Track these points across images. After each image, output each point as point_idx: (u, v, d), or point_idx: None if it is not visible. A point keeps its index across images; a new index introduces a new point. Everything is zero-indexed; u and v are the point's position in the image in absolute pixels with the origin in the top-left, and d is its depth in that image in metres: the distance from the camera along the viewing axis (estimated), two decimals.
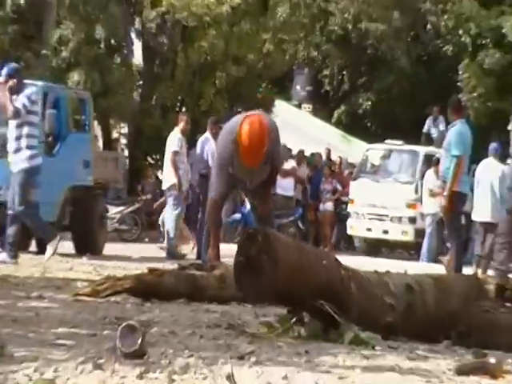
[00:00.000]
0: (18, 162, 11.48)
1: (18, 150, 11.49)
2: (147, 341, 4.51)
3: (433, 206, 17.66)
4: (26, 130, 11.46)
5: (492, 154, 15.83)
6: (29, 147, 11.48)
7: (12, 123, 11.57)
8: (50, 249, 11.69)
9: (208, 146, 15.46)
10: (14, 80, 11.59)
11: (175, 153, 15.09)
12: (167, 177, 15.33)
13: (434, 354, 5.27)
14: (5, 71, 11.89)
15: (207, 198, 15.44)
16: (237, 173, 8.68)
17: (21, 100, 11.45)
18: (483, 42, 32.35)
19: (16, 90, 11.52)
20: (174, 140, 15.23)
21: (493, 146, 16.08)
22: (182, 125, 15.49)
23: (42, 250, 13.73)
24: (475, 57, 32.03)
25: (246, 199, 22.23)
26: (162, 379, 3.98)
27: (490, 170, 15.59)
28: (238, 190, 10.11)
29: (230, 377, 3.91)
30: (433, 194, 17.79)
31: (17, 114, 11.43)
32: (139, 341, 4.36)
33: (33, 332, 5.25)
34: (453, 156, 11.40)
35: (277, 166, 9.12)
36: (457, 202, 11.53)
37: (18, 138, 11.49)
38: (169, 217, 15.32)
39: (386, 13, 29.95)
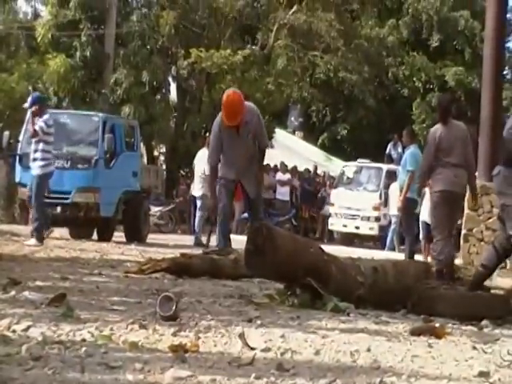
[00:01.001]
0: (35, 168, 11.34)
1: (34, 160, 11.36)
2: (179, 307, 4.49)
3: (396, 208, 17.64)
4: (41, 146, 11.28)
5: None
6: (42, 159, 11.29)
7: (33, 140, 11.43)
8: (32, 240, 10.93)
9: None
10: (36, 106, 11.43)
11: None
12: (198, 187, 15.25)
13: (394, 320, 5.24)
14: (30, 99, 11.76)
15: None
16: (225, 141, 8.38)
17: (39, 124, 11.28)
18: (431, 86, 32.35)
19: (37, 115, 11.32)
20: (205, 161, 15.14)
21: None
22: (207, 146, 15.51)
23: (101, 239, 13.76)
24: (425, 97, 32.01)
25: None
26: (191, 337, 3.95)
27: None
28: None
29: (241, 335, 3.89)
30: None
31: (35, 134, 11.30)
32: (174, 307, 4.35)
33: (94, 300, 5.22)
34: (407, 171, 11.38)
35: (263, 147, 8.68)
36: (409, 205, 11.50)
37: (35, 152, 11.35)
38: (197, 216, 15.30)
39: (358, 66, 29.91)
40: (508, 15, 33.40)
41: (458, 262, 11.38)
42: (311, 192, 22.76)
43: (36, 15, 25.97)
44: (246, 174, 8.56)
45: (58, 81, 22.68)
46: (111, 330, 4.00)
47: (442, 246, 7.94)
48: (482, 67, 11.78)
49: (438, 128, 8.22)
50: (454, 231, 8.54)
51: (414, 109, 31.63)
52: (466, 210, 11.07)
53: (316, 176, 24.11)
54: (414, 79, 32.22)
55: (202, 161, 15.27)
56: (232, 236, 8.84)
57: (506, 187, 6.86)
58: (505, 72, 33.53)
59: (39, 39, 23.36)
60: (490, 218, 10.87)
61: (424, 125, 31.15)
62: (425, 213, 15.93)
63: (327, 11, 26.21)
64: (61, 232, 14.22)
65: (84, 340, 3.74)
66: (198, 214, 15.30)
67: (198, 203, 15.33)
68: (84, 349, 3.49)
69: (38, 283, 5.93)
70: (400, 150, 20.72)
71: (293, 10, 25.84)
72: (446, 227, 8.07)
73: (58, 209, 13.33)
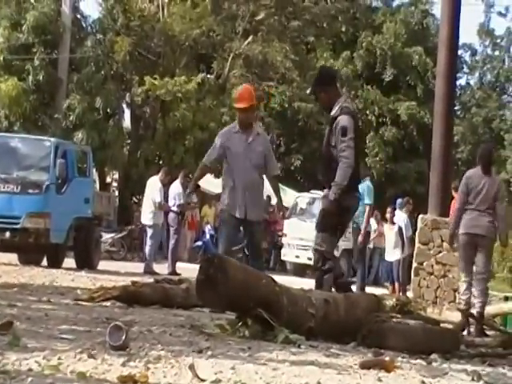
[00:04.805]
0: None
1: None
2: (129, 337, 4.45)
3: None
4: None
5: (399, 207, 16.02)
6: None
7: None
8: None
9: (177, 190, 15.51)
10: None
11: (160, 203, 15.08)
12: (148, 216, 15.19)
13: (344, 352, 5.25)
14: None
15: (177, 228, 15.31)
16: (233, 148, 7.88)
17: None
18: (384, 120, 32.75)
19: None
20: (156, 190, 15.11)
21: (399, 201, 16.32)
22: (162, 175, 15.49)
23: (51, 265, 13.60)
24: (378, 131, 32.41)
25: (206, 229, 22.21)
26: (140, 367, 3.91)
27: (397, 219, 15.79)
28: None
29: (191, 366, 3.87)
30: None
31: None
32: (123, 337, 4.30)
33: (42, 328, 5.15)
34: (366, 204, 11.56)
35: (275, 173, 8.27)
36: (366, 238, 11.68)
37: None
38: (148, 245, 15.22)
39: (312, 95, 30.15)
40: (460, 51, 34.14)
41: (408, 295, 11.52)
42: (266, 222, 22.76)
43: None
44: (251, 199, 7.93)
45: (10, 104, 22.47)
46: (59, 359, 3.94)
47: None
48: (434, 103, 11.98)
49: (476, 175, 8.67)
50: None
51: (367, 142, 31.97)
52: (417, 244, 11.20)
53: (269, 206, 24.15)
54: (368, 112, 32.58)
55: (152, 188, 15.24)
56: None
57: None
58: (456, 108, 34.17)
59: None
60: (440, 252, 11.00)
61: (377, 158, 31.51)
62: (387, 249, 16.01)
63: (282, 42, 26.48)
64: (9, 258, 14.03)
65: (30, 370, 3.67)
66: (148, 242, 15.23)
67: (149, 231, 15.27)
68: (30, 379, 3.42)
69: None
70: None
71: (248, 40, 26.05)
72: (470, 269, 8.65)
73: (7, 234, 13.17)
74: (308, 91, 8.62)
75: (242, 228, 8.08)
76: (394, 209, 16.12)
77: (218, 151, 8.01)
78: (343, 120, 7.00)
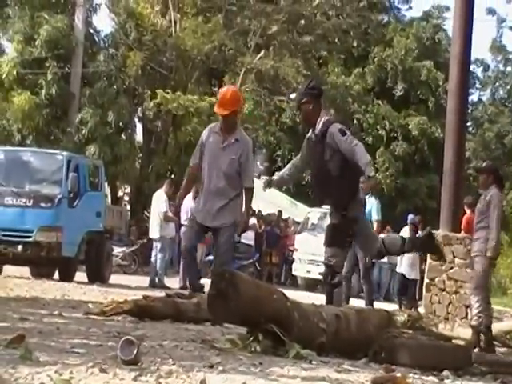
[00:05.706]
0: None
1: None
2: (141, 351, 4.45)
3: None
4: None
5: (410, 223, 15.92)
6: None
7: None
8: None
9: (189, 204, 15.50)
10: None
11: (165, 213, 15.05)
12: (156, 228, 15.19)
13: (355, 368, 5.23)
14: None
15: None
16: (208, 151, 7.64)
17: None
18: (394, 135, 32.78)
19: None
20: (162, 202, 15.10)
21: (410, 216, 16.20)
22: (166, 187, 15.48)
23: (63, 279, 13.62)
24: (389, 146, 32.43)
25: None
26: (151, 382, 3.91)
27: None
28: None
29: (202, 382, 3.86)
30: None
31: None
32: (135, 351, 4.30)
33: (54, 341, 5.15)
34: (375, 220, 11.58)
35: (247, 185, 7.87)
36: None
37: None
38: (158, 259, 15.21)
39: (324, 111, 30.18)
40: (472, 67, 34.13)
41: (420, 311, 11.47)
42: (277, 236, 22.78)
43: (1, 52, 25.87)
44: (213, 207, 7.66)
45: (23, 118, 22.59)
46: (71, 373, 3.94)
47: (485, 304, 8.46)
48: (446, 118, 11.97)
49: (499, 195, 8.80)
50: None
51: (377, 157, 31.98)
52: (429, 260, 11.16)
53: (281, 221, 24.19)
54: (378, 127, 32.62)
55: (158, 201, 15.25)
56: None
57: None
58: (468, 123, 34.15)
59: (4, 76, 23.29)
60: (452, 268, 10.96)
61: (387, 173, 31.50)
62: (404, 266, 15.91)
63: (294, 57, 26.55)
64: (21, 271, 14.07)
65: None
66: (158, 255, 15.21)
67: (158, 245, 15.25)
68: None
69: None
70: (362, 196, 20.85)
71: (260, 54, 26.12)
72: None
73: (20, 247, 13.23)
74: (292, 96, 8.63)
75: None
76: (416, 226, 15.78)
77: (201, 149, 7.76)
78: (335, 126, 6.89)
